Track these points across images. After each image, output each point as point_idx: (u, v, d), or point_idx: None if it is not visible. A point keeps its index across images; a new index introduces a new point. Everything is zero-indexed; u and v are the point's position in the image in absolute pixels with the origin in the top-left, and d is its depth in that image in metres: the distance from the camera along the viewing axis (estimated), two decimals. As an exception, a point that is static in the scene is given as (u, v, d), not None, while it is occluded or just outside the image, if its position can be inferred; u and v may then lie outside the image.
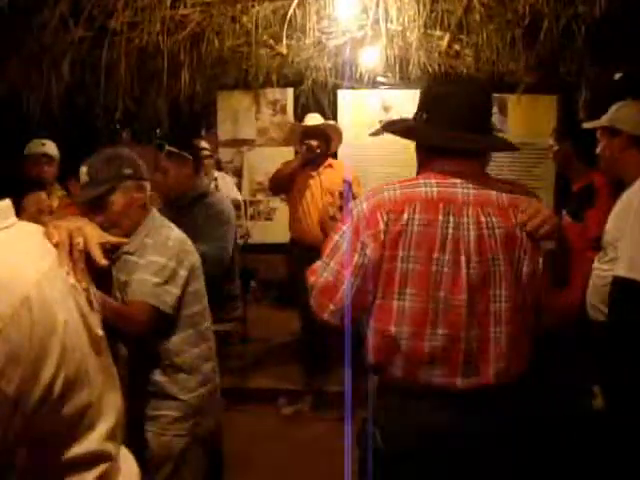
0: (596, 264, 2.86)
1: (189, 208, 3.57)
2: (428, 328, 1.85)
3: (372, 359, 1.96)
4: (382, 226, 1.84)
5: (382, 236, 1.84)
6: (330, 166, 4.80)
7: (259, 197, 6.20)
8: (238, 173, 6.15)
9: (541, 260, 1.93)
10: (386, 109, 5.94)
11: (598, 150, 3.07)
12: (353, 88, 5.91)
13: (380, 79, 5.87)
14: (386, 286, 1.88)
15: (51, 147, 4.17)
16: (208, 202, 3.69)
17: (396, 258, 1.85)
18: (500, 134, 5.80)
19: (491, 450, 1.93)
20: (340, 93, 6.00)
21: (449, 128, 1.89)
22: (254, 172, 6.22)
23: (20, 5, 2.97)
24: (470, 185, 1.88)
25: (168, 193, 3.57)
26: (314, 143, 4.66)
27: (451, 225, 1.83)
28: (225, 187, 5.36)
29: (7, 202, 1.09)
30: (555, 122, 5.72)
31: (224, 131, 6.15)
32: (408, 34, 4.56)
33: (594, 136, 4.20)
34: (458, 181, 1.88)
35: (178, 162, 3.54)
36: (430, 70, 5.40)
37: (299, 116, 6.02)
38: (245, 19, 4.12)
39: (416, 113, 2.05)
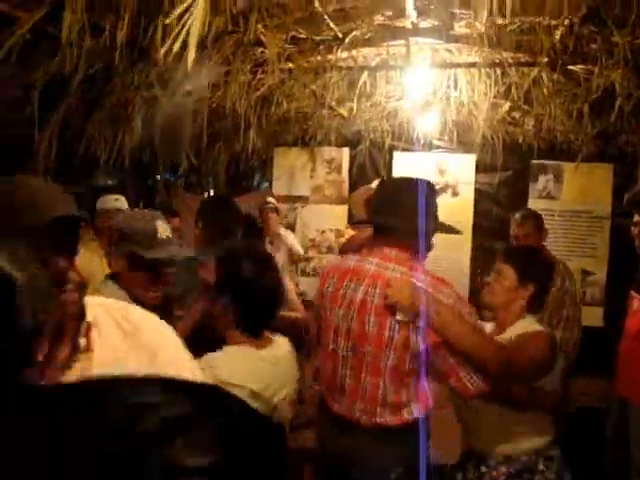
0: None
1: None
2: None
3: None
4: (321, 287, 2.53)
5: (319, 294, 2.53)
6: None
7: (311, 254, 6.25)
8: (291, 229, 6.20)
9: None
10: (441, 172, 6.00)
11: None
12: (409, 150, 6.00)
13: (436, 142, 5.97)
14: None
15: (123, 203, 4.30)
16: None
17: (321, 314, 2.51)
18: (555, 201, 5.87)
19: None
20: (396, 155, 6.10)
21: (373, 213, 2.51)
22: (307, 229, 6.30)
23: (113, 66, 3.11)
24: (375, 261, 2.38)
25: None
26: None
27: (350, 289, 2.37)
28: (289, 242, 5.44)
29: None
30: (610, 192, 5.76)
31: (279, 187, 6.28)
32: (468, 102, 4.69)
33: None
34: (371, 258, 2.40)
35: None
36: (489, 137, 5.49)
37: (354, 176, 6.18)
38: (316, 85, 4.27)
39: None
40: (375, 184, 4.92)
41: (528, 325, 2.50)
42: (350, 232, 4.87)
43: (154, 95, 3.87)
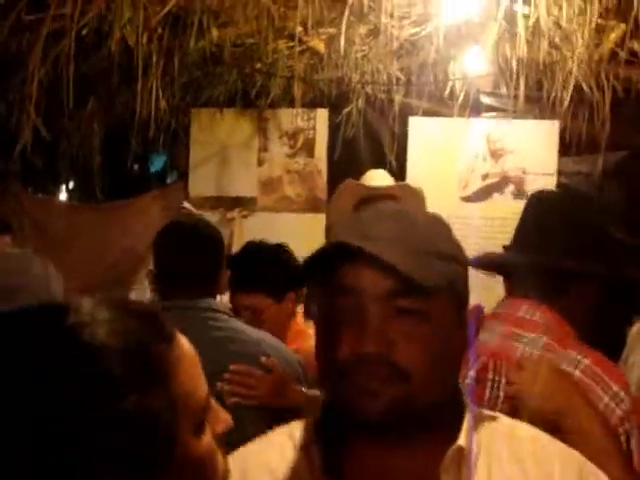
0: None
1: None
2: None
3: None
4: None
5: None
6: None
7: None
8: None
9: None
10: (495, 155, 4.05)
11: None
12: (438, 114, 4.26)
13: (487, 101, 4.22)
14: None
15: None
16: None
17: None
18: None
19: None
20: (412, 122, 4.25)
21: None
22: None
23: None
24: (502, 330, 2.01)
25: None
26: None
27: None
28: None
29: None
30: None
31: (200, 181, 4.39)
32: (551, 25, 3.33)
33: None
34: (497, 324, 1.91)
35: None
36: (586, 88, 3.70)
37: (336, 160, 4.40)
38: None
39: None
40: (371, 177, 3.66)
41: None
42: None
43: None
